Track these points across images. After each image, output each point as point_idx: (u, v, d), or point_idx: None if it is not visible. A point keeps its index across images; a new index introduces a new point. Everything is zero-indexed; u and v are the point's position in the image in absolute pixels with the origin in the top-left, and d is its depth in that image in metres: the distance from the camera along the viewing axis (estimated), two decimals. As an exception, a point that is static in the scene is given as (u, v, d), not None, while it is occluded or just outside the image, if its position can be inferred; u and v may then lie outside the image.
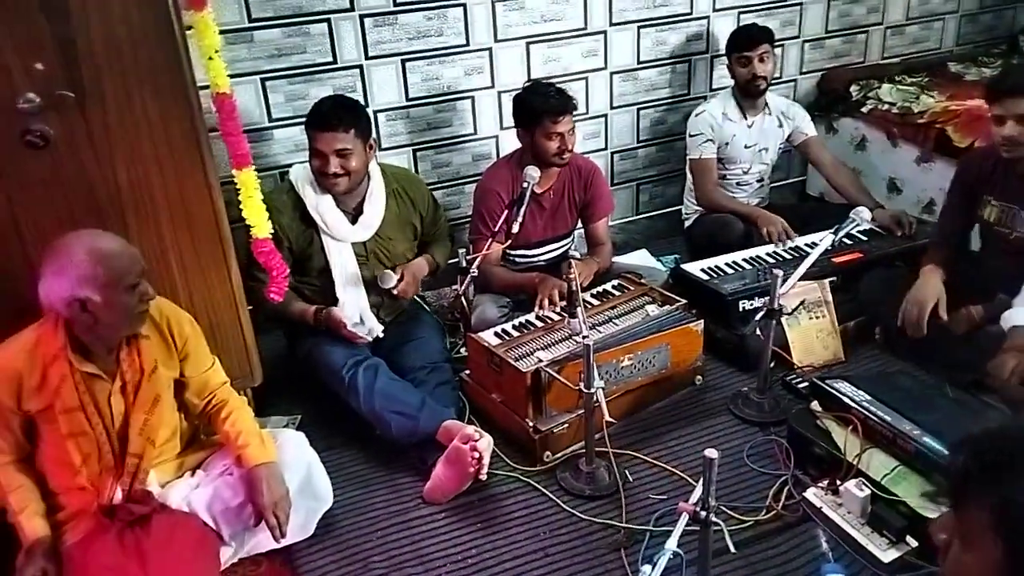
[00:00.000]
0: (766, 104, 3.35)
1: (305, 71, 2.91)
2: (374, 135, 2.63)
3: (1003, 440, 1.11)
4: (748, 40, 3.22)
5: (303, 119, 2.66)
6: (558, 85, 2.81)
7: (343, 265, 2.60)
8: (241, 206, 2.25)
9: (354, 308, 2.63)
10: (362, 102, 2.99)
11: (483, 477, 2.22)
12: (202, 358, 2.07)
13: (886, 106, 3.62)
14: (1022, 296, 2.45)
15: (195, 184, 2.21)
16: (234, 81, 2.74)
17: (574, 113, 2.77)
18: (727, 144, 3.33)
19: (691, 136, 3.34)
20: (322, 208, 2.54)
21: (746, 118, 3.33)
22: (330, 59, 2.93)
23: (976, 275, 2.68)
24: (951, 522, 1.12)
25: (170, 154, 2.16)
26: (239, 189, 2.23)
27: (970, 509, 1.08)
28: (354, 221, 2.59)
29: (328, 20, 2.88)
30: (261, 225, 2.28)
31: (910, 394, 2.27)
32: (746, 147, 3.35)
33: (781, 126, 3.39)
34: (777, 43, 3.32)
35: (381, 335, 2.64)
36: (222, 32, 2.65)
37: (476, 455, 2.16)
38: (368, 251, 2.63)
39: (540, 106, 2.71)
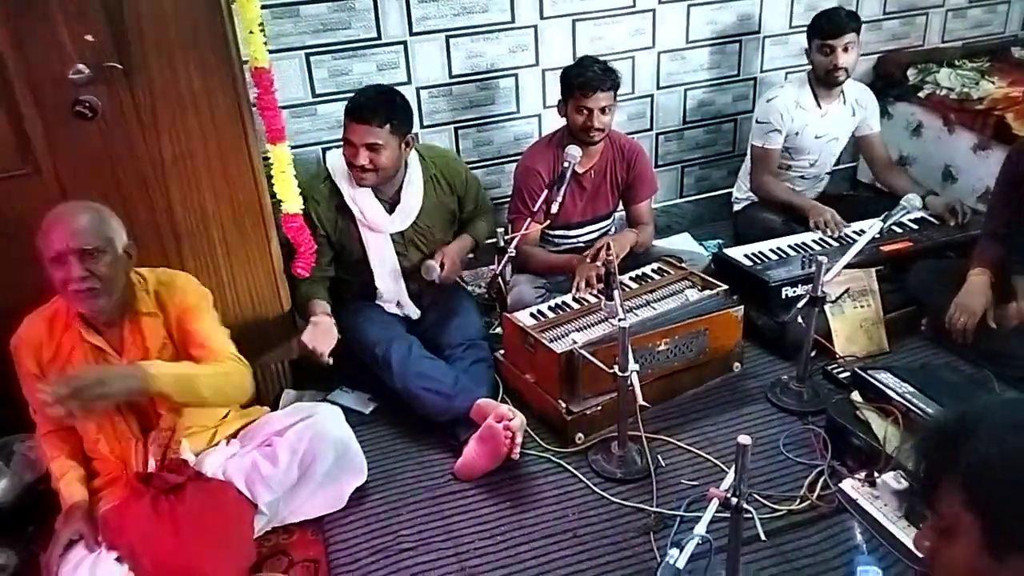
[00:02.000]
0: (842, 91, 3.19)
1: (349, 47, 2.91)
2: (414, 131, 2.58)
3: (956, 416, 1.05)
4: (833, 28, 3.01)
5: (346, 94, 2.66)
6: (609, 63, 2.76)
7: (381, 255, 2.59)
8: (273, 180, 2.27)
9: (392, 295, 2.66)
10: (405, 79, 3.00)
11: (516, 456, 2.22)
12: (206, 326, 2.00)
13: (944, 91, 3.49)
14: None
15: (238, 158, 2.25)
16: (279, 56, 2.79)
17: (617, 92, 2.73)
18: (797, 134, 3.18)
19: (759, 122, 3.21)
20: (359, 199, 2.52)
21: (820, 107, 3.17)
22: (374, 35, 2.92)
23: (1030, 269, 2.59)
24: (931, 524, 1.07)
25: (214, 127, 2.19)
26: (272, 164, 2.25)
27: (942, 498, 1.03)
28: (391, 210, 2.57)
29: (374, -6, 2.88)
30: (292, 200, 2.32)
31: (955, 388, 2.22)
32: (816, 137, 3.20)
33: (854, 114, 3.24)
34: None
35: (415, 316, 2.68)
36: (268, 7, 2.71)
37: (509, 434, 2.17)
38: (406, 240, 2.62)
39: (576, 78, 2.68)
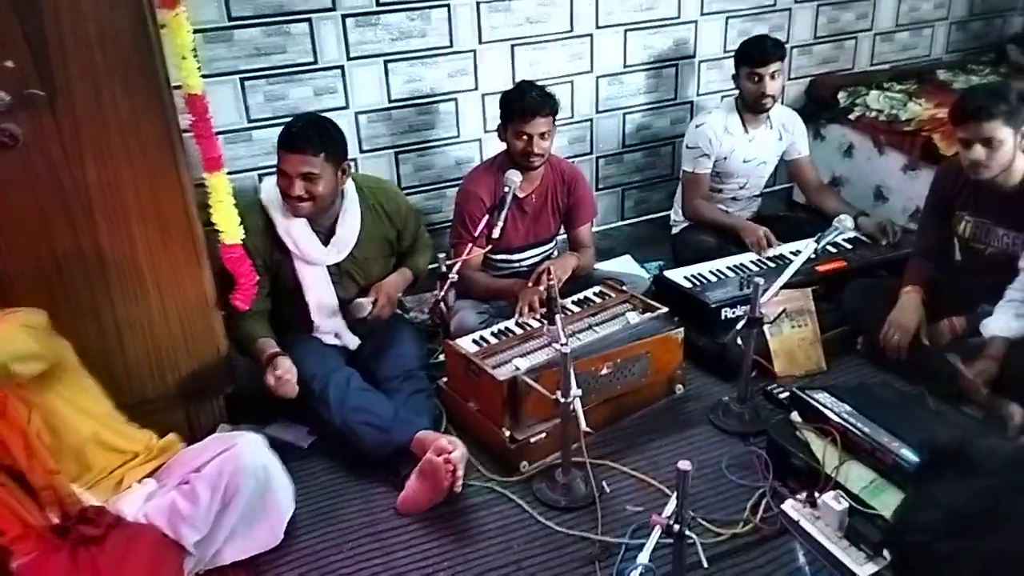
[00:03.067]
0: (768, 116, 3.25)
1: (285, 71, 2.86)
2: (352, 156, 2.55)
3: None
4: (760, 56, 3.07)
5: (282, 119, 2.62)
6: (547, 88, 2.78)
7: (317, 288, 2.53)
8: (211, 210, 2.21)
9: (329, 327, 2.60)
10: (343, 103, 2.97)
11: (458, 489, 2.18)
12: None
13: (873, 113, 3.60)
14: (1000, 305, 2.45)
15: (167, 185, 2.18)
16: (212, 81, 2.74)
17: (555, 117, 2.74)
18: (725, 159, 3.24)
19: (688, 148, 3.26)
20: (294, 232, 2.45)
21: (747, 132, 3.24)
22: (311, 59, 2.89)
23: (957, 286, 2.67)
24: None
25: (142, 154, 2.12)
26: (209, 192, 2.19)
27: None
28: (326, 242, 2.51)
29: (309, 20, 2.84)
30: (231, 230, 2.25)
31: (890, 405, 2.25)
32: (744, 161, 3.27)
33: (781, 139, 3.31)
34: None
35: (353, 346, 2.63)
36: (200, 31, 2.66)
37: (451, 467, 2.13)
38: (342, 271, 2.56)
39: (514, 103, 2.70)
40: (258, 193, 2.54)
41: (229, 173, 2.79)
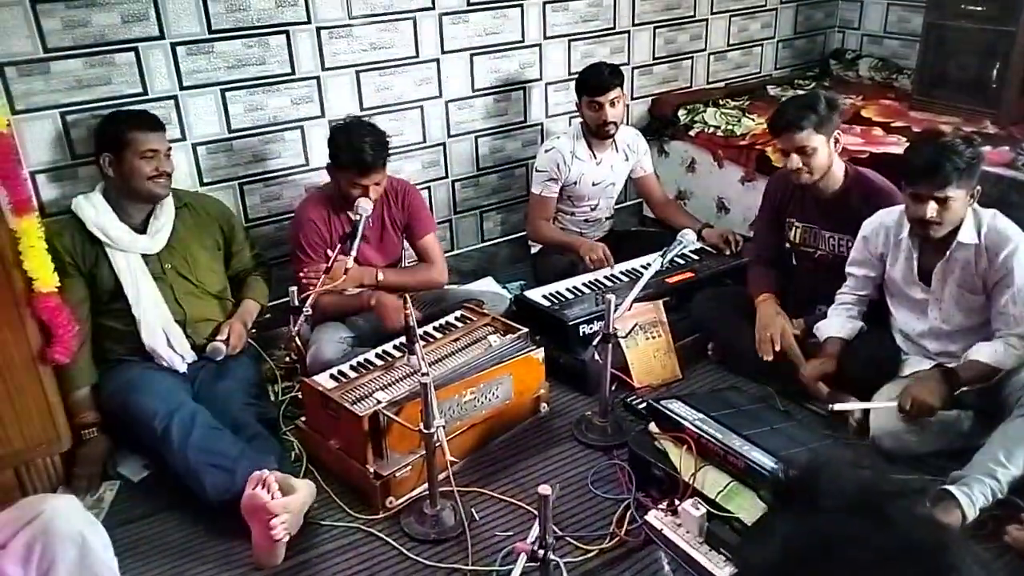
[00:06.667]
0: (613, 139, 3.34)
1: (112, 103, 2.68)
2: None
3: None
4: (599, 86, 3.14)
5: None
6: (379, 127, 2.77)
7: (135, 281, 2.46)
8: (22, 257, 2.04)
9: (156, 328, 2.48)
10: (179, 135, 2.83)
11: (276, 533, 2.01)
12: None
13: (711, 129, 3.77)
14: (832, 308, 2.61)
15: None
16: (29, 116, 2.55)
17: (383, 161, 2.73)
18: (575, 183, 3.31)
19: (538, 171, 3.31)
20: (103, 222, 2.44)
21: (595, 156, 3.31)
22: (139, 90, 2.73)
23: (795, 290, 2.83)
24: None
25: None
26: (19, 238, 2.02)
27: None
28: (141, 232, 2.52)
29: (136, 49, 2.69)
30: (45, 277, 2.09)
31: (740, 409, 2.34)
32: (594, 184, 3.34)
33: (627, 159, 3.41)
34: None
35: (191, 360, 2.55)
36: (13, 63, 2.47)
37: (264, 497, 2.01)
38: (163, 264, 2.53)
39: (347, 159, 2.68)
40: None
41: (54, 214, 2.62)
